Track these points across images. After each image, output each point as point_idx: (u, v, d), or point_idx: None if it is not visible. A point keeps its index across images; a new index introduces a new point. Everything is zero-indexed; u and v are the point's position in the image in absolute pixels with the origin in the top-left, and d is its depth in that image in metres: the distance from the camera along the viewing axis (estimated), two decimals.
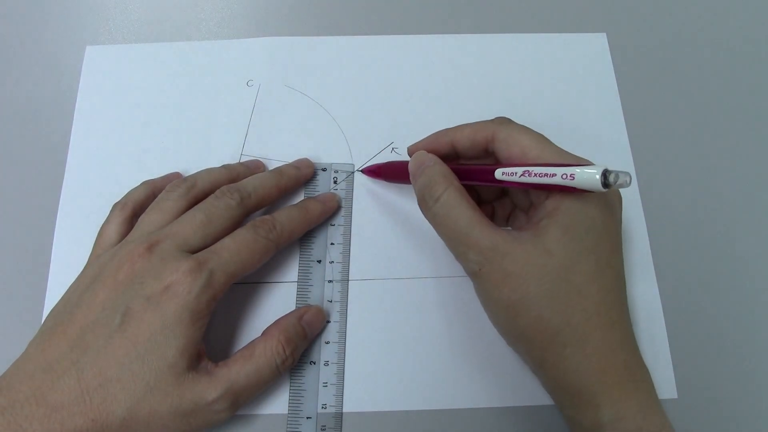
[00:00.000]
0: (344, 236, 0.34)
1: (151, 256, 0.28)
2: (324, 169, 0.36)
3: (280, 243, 0.31)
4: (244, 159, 0.37)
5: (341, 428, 0.31)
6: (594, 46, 0.40)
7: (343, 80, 0.39)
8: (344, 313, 0.33)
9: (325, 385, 0.31)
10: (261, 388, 0.29)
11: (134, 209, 0.32)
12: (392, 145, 0.37)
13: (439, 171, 0.28)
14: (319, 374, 0.32)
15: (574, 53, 0.40)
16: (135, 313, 0.27)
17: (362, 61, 0.40)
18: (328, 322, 0.33)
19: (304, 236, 0.34)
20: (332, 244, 0.34)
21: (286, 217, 0.32)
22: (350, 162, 0.37)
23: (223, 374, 0.28)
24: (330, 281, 0.33)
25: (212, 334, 0.32)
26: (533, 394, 0.31)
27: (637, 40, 0.41)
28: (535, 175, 0.25)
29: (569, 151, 0.27)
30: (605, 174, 0.23)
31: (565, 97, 0.39)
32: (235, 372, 0.28)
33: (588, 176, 0.23)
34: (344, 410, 0.31)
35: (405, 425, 0.31)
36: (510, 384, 0.32)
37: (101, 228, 0.32)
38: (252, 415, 0.31)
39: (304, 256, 0.34)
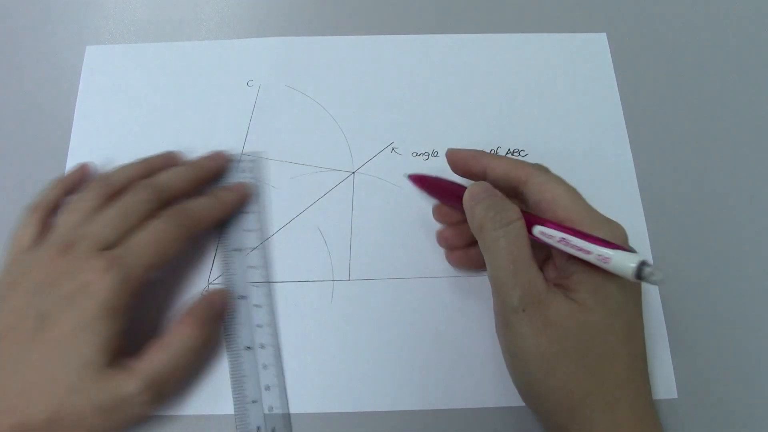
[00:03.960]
0: (260, 223, 0.34)
1: (67, 258, 0.28)
2: (239, 160, 0.36)
3: (194, 230, 0.31)
4: (245, 159, 0.37)
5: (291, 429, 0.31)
6: (594, 46, 0.40)
7: (343, 80, 0.39)
8: (272, 312, 0.33)
9: (268, 388, 0.31)
10: (182, 374, 0.29)
11: (47, 210, 0.32)
12: (392, 145, 0.37)
13: (506, 209, 0.27)
14: (259, 379, 0.31)
15: (575, 53, 0.40)
16: (52, 316, 0.27)
17: (362, 61, 0.40)
18: (259, 326, 0.32)
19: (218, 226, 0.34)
20: (245, 230, 0.34)
21: (197, 205, 0.32)
22: (350, 161, 0.37)
23: (141, 366, 0.28)
24: (252, 267, 0.33)
25: (132, 331, 0.32)
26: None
27: (637, 40, 0.41)
28: (572, 246, 0.25)
29: (585, 196, 0.28)
30: (641, 267, 0.23)
31: (565, 97, 0.39)
32: (152, 361, 0.28)
33: (623, 265, 0.24)
34: (291, 411, 0.31)
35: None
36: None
37: (14, 232, 0.31)
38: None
39: (222, 246, 0.34)
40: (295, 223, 0.35)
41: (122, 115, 0.38)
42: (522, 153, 0.37)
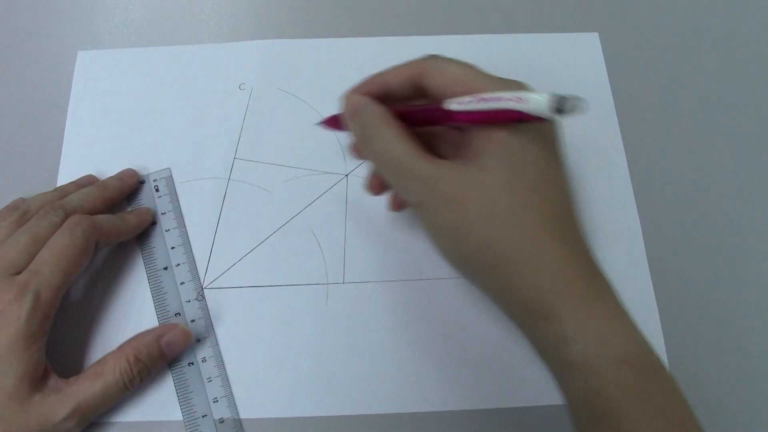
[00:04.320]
0: (182, 238, 0.35)
1: None
2: (142, 181, 0.36)
3: (99, 237, 0.31)
4: (237, 163, 0.37)
5: None
6: (586, 46, 0.40)
7: (336, 83, 0.39)
8: (210, 325, 0.33)
9: (215, 400, 0.31)
10: (109, 405, 0.29)
11: None
12: None
13: (374, 111, 0.28)
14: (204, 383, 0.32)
15: (567, 53, 0.40)
16: None
17: (355, 64, 0.40)
18: (198, 340, 0.32)
19: (143, 244, 0.34)
20: (173, 248, 0.34)
21: (100, 218, 0.32)
22: (343, 164, 0.37)
23: (71, 392, 0.28)
24: (182, 283, 0.34)
25: (68, 348, 0.32)
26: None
27: (629, 39, 0.41)
28: (488, 100, 0.24)
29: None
30: (559, 100, 0.22)
31: None
32: (83, 390, 0.28)
33: (539, 99, 0.23)
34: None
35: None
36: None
37: None
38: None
39: (149, 264, 0.34)
40: (289, 227, 0.35)
41: (114, 119, 0.38)
42: None
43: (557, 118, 0.23)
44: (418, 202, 0.26)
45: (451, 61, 0.28)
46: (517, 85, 0.26)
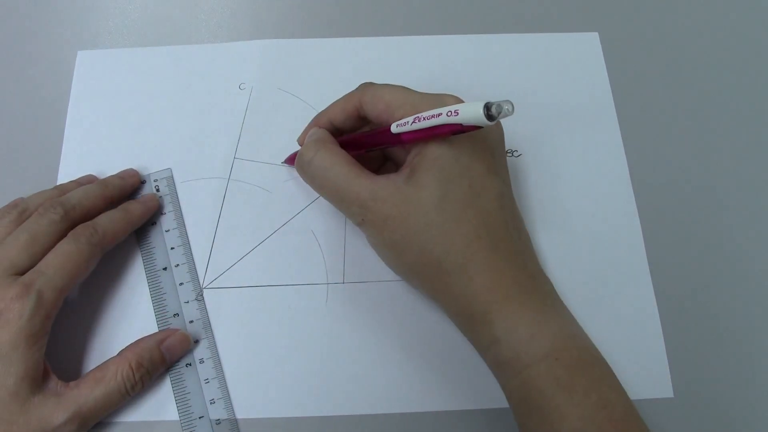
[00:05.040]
0: (182, 238, 0.34)
1: None
2: (143, 181, 0.36)
3: (105, 245, 0.31)
4: (237, 163, 0.37)
5: None
6: (586, 46, 0.40)
7: (336, 82, 0.39)
8: (208, 325, 0.33)
9: (212, 401, 0.31)
10: (110, 410, 0.29)
11: None
12: None
13: (313, 137, 0.30)
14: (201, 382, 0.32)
15: (567, 53, 0.40)
16: None
17: (355, 64, 0.40)
18: (196, 341, 0.32)
19: (143, 244, 0.34)
20: (172, 248, 0.34)
21: (107, 219, 0.32)
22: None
23: (72, 396, 0.28)
24: (181, 284, 0.33)
25: (67, 350, 0.32)
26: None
27: (629, 39, 0.41)
28: (425, 118, 0.26)
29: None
30: (487, 107, 0.23)
31: (558, 97, 0.39)
32: (84, 395, 0.28)
33: (472, 109, 0.24)
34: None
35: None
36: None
37: None
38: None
39: (148, 264, 0.34)
40: (289, 227, 0.35)
41: (114, 119, 0.38)
42: (515, 153, 0.37)
43: (489, 123, 0.24)
44: (359, 223, 0.28)
45: (384, 87, 0.30)
46: (452, 99, 0.28)
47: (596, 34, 0.41)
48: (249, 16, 0.41)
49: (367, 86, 0.30)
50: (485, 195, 0.27)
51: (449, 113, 0.25)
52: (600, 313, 0.33)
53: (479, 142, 0.28)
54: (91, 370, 0.29)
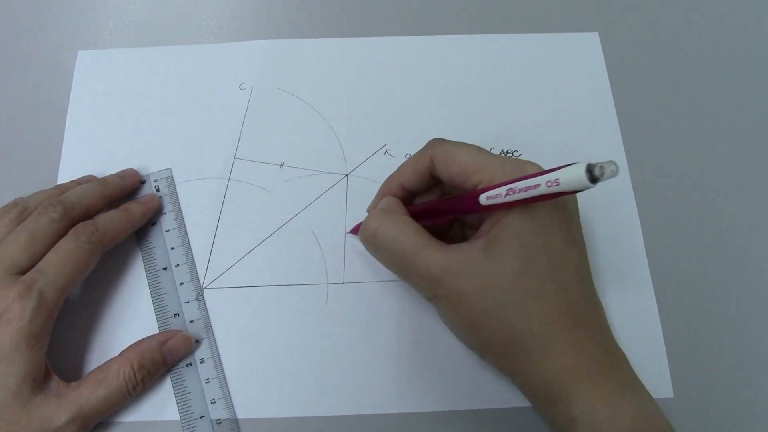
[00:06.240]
0: (182, 238, 0.34)
1: None
2: (143, 181, 0.36)
3: (105, 244, 0.31)
4: (237, 163, 0.37)
5: None
6: (586, 46, 0.40)
7: (336, 82, 0.39)
8: (208, 325, 0.33)
9: (213, 401, 0.31)
10: (111, 411, 0.29)
11: None
12: (386, 147, 0.37)
13: (379, 209, 0.29)
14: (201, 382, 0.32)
15: (567, 53, 0.40)
16: None
17: (354, 63, 0.40)
18: (197, 341, 0.32)
19: (143, 244, 0.34)
20: (172, 248, 0.34)
21: (107, 219, 0.32)
22: (343, 164, 0.37)
23: (74, 397, 0.28)
24: (181, 284, 0.33)
25: (67, 349, 0.32)
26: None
27: (629, 39, 0.41)
28: (519, 190, 0.23)
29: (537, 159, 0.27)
30: (590, 169, 0.21)
31: (558, 97, 0.39)
32: (86, 395, 0.28)
33: (573, 175, 0.21)
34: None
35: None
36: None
37: None
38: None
39: (148, 264, 0.34)
40: (289, 227, 0.35)
41: (114, 119, 0.38)
42: (515, 153, 0.37)
43: (592, 186, 0.21)
44: (430, 298, 0.27)
45: (457, 146, 0.28)
46: (533, 167, 0.26)
47: (596, 34, 0.41)
48: (249, 16, 0.41)
49: (437, 144, 0.29)
50: (565, 269, 0.26)
51: (549, 183, 0.22)
52: None
53: (558, 211, 0.26)
54: (92, 371, 0.29)
